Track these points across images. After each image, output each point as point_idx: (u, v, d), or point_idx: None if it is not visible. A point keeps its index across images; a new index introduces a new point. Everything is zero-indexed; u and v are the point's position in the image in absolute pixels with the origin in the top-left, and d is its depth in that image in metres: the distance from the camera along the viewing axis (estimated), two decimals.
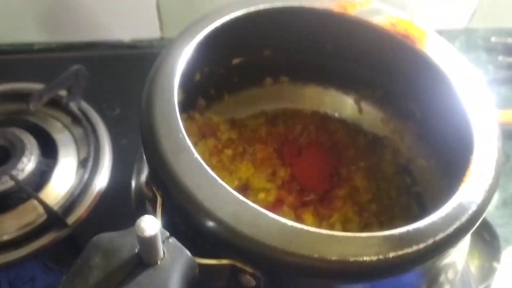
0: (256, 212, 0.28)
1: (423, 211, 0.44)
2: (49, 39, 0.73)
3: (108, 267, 0.25)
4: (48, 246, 0.48)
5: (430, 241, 0.27)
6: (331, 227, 0.43)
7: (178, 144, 0.30)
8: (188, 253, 0.27)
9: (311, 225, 0.42)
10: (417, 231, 0.28)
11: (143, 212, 0.35)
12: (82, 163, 0.54)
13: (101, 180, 0.53)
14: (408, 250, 0.27)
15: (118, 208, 0.51)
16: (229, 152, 0.47)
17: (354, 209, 0.44)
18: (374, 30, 0.40)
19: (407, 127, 0.47)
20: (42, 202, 0.48)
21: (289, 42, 0.44)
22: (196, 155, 0.30)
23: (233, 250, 0.27)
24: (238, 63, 0.45)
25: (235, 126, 0.49)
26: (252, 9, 0.38)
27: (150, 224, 0.23)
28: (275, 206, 0.44)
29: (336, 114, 0.50)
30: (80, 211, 0.50)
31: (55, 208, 0.49)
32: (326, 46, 0.44)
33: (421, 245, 0.27)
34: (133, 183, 0.41)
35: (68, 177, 0.53)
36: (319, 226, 0.43)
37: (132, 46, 0.73)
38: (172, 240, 0.27)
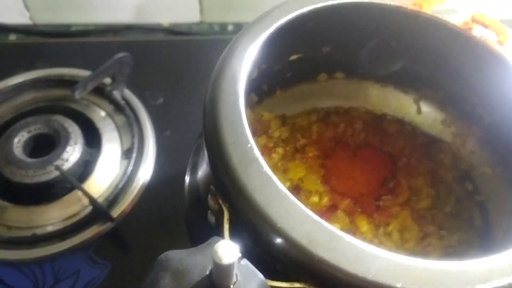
0: (332, 234, 0.26)
1: (487, 223, 0.42)
2: (87, 20, 0.71)
3: None
4: (92, 239, 0.47)
5: None
6: (388, 235, 0.41)
7: (246, 155, 0.28)
8: (261, 276, 0.25)
9: (366, 233, 0.42)
10: (509, 261, 0.25)
11: (201, 218, 0.33)
12: (126, 154, 0.53)
13: (145, 173, 0.52)
14: (500, 283, 0.25)
15: (163, 202, 0.50)
16: (280, 151, 0.45)
17: (412, 216, 0.42)
18: (448, 29, 0.37)
19: (471, 132, 0.44)
20: (87, 194, 0.47)
21: (351, 38, 0.41)
22: (266, 167, 0.28)
23: (307, 273, 0.26)
24: (294, 59, 0.43)
25: (286, 123, 0.47)
26: (320, 5, 0.35)
27: (229, 252, 0.22)
28: (329, 211, 0.42)
29: (393, 114, 0.48)
30: (124, 204, 0.49)
31: (100, 200, 0.48)
32: (390, 44, 0.41)
33: None
34: (187, 179, 0.40)
35: (112, 168, 0.52)
36: (375, 234, 0.41)
37: (171, 30, 0.71)
38: (245, 262, 0.25)
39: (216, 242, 0.23)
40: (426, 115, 0.47)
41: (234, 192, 0.27)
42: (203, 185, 0.34)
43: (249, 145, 0.28)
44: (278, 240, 0.26)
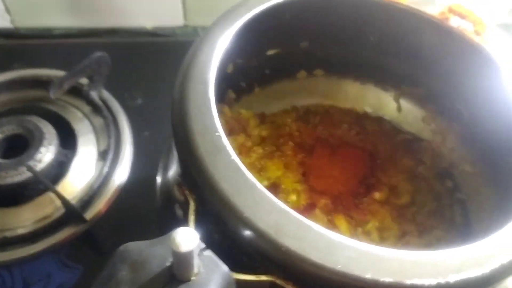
0: (301, 223, 0.25)
1: (467, 220, 0.41)
2: (70, 24, 0.70)
3: (136, 282, 0.22)
4: (64, 242, 0.46)
5: (497, 265, 0.24)
6: (367, 234, 0.40)
7: (214, 144, 0.27)
8: (226, 268, 0.24)
9: (344, 232, 0.40)
10: (482, 251, 0.25)
11: (170, 213, 0.32)
12: (102, 155, 0.51)
13: (121, 174, 0.50)
14: (472, 274, 0.24)
15: (139, 204, 0.48)
16: (259, 150, 0.44)
17: (392, 214, 0.41)
18: (425, 20, 0.37)
19: (451, 128, 0.43)
20: (60, 196, 0.46)
21: (328, 33, 0.41)
22: (234, 156, 0.27)
23: (274, 265, 0.24)
24: (272, 55, 0.42)
25: (265, 122, 0.46)
26: None
27: (188, 238, 0.21)
28: (306, 210, 0.41)
29: (373, 112, 0.47)
30: (99, 206, 0.48)
31: (73, 202, 0.47)
32: (369, 38, 0.41)
33: (487, 269, 0.24)
34: (159, 179, 0.38)
35: (87, 169, 0.50)
36: (354, 233, 0.40)
37: (154, 33, 0.70)
38: (208, 253, 0.24)
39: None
40: (406, 112, 0.46)
41: (201, 182, 0.26)
42: (172, 180, 0.33)
43: (217, 134, 0.27)
44: (245, 231, 0.25)
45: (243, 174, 0.26)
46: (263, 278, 0.25)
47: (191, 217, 0.26)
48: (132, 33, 0.70)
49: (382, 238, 0.40)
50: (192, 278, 0.23)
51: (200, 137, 0.27)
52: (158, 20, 0.71)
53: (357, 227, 0.40)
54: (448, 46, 0.37)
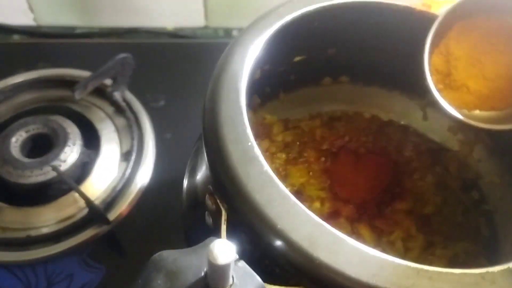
0: (335, 236, 0.25)
1: (493, 232, 0.41)
2: (91, 23, 0.71)
3: None
4: (87, 242, 0.46)
5: None
6: (392, 244, 0.40)
7: (246, 153, 0.27)
8: (259, 279, 0.24)
9: (368, 241, 0.40)
10: None
11: (198, 219, 0.32)
12: (125, 156, 0.52)
13: (144, 175, 0.51)
14: None
15: (161, 206, 0.49)
16: (282, 156, 0.44)
17: (417, 224, 0.40)
18: None
19: (479, 139, 0.43)
20: (83, 196, 0.46)
21: (356, 40, 0.40)
22: (267, 167, 0.27)
23: (307, 277, 0.24)
24: (298, 61, 0.42)
25: (289, 127, 0.46)
26: (326, 3, 0.34)
27: (225, 251, 0.21)
28: (330, 217, 0.41)
29: (399, 120, 0.46)
30: (122, 207, 0.48)
31: (96, 202, 0.47)
32: (397, 47, 0.40)
33: None
34: (186, 182, 0.38)
35: (110, 170, 0.51)
36: (378, 242, 0.40)
37: (175, 34, 0.71)
38: (242, 264, 0.24)
39: (212, 241, 0.22)
40: (432, 121, 0.45)
41: (233, 192, 0.26)
42: (202, 187, 0.33)
43: (249, 144, 0.27)
44: (278, 242, 0.24)
45: (276, 185, 0.26)
46: None
47: (223, 227, 0.26)
48: (153, 34, 0.71)
49: (406, 248, 0.39)
50: None
51: (232, 146, 0.27)
52: (179, 21, 0.71)
53: (381, 237, 0.40)
54: None
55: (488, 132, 0.40)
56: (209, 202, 0.28)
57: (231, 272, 0.23)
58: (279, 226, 0.25)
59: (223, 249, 0.21)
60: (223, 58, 0.32)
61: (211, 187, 0.28)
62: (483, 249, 0.40)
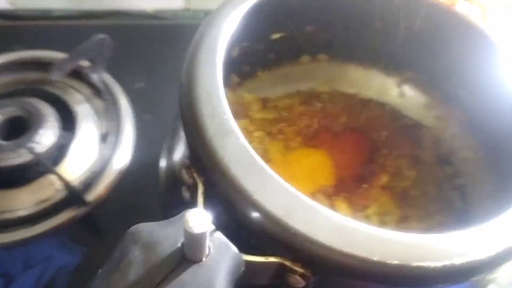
0: (310, 207, 0.25)
1: (466, 205, 0.42)
2: (69, 6, 0.69)
3: (148, 262, 0.23)
4: (66, 224, 0.45)
5: (502, 248, 0.24)
6: (367, 218, 0.40)
7: (222, 126, 0.27)
8: (235, 249, 0.24)
9: (345, 215, 0.41)
10: (487, 234, 0.25)
11: (175, 195, 0.32)
12: (103, 138, 0.51)
13: (123, 157, 0.50)
14: (477, 256, 0.24)
15: (141, 187, 0.49)
16: (260, 134, 0.44)
17: (393, 199, 0.41)
18: (431, 5, 0.36)
19: (453, 115, 0.44)
20: (61, 177, 0.46)
21: (334, 17, 0.41)
22: (243, 139, 0.27)
23: (283, 247, 0.25)
24: (277, 38, 0.42)
25: (267, 107, 0.46)
26: None
27: (200, 220, 0.21)
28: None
29: (376, 98, 0.47)
30: (100, 188, 0.48)
31: (74, 184, 0.47)
32: (374, 24, 0.41)
33: (493, 252, 0.24)
34: (163, 162, 0.38)
35: (88, 152, 0.50)
36: (355, 217, 0.41)
37: (155, 16, 0.70)
38: (218, 234, 0.24)
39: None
40: (409, 98, 0.46)
41: (209, 164, 0.26)
42: (179, 163, 0.33)
43: (225, 117, 0.27)
44: (254, 213, 0.25)
45: (252, 157, 0.26)
46: (272, 259, 0.25)
47: (200, 199, 0.26)
48: (133, 16, 0.70)
49: (382, 222, 0.40)
50: (203, 259, 0.23)
51: (208, 119, 0.27)
52: (159, 3, 0.70)
53: (357, 212, 0.41)
54: (453, 32, 0.37)
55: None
56: (186, 176, 0.28)
57: (208, 243, 0.23)
58: (254, 197, 0.25)
59: (199, 219, 0.21)
60: (199, 33, 0.31)
61: (187, 161, 0.28)
62: (456, 222, 0.41)
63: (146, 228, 0.24)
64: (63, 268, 0.44)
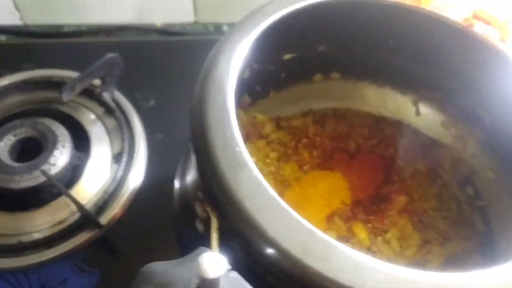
0: (327, 244, 0.24)
1: (488, 228, 0.40)
2: (79, 21, 0.69)
3: None
4: (80, 247, 0.45)
5: None
6: (387, 243, 0.39)
7: (236, 159, 0.26)
8: None
9: (364, 240, 0.40)
10: None
11: (189, 225, 0.32)
12: (116, 158, 0.51)
13: (136, 177, 0.50)
14: None
15: (154, 208, 0.48)
16: (274, 154, 0.43)
17: (412, 222, 0.40)
18: (448, 26, 0.36)
19: (473, 134, 0.42)
20: (74, 201, 0.45)
21: (346, 36, 0.40)
22: (257, 172, 0.26)
23: (300, 286, 0.24)
24: (288, 59, 0.41)
25: (280, 126, 0.45)
26: (315, 1, 0.33)
27: (215, 264, 0.20)
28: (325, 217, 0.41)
29: (391, 116, 0.46)
30: (114, 210, 0.47)
31: (88, 206, 0.47)
32: (388, 42, 0.40)
33: None
34: (177, 184, 0.38)
35: (101, 172, 0.50)
36: (374, 242, 0.40)
37: (164, 30, 0.70)
38: (233, 274, 0.23)
39: (202, 253, 0.21)
40: (425, 116, 0.45)
41: (223, 199, 0.25)
42: (191, 192, 0.33)
43: (238, 149, 0.27)
44: (269, 250, 0.24)
45: (267, 191, 0.26)
46: None
47: (214, 235, 0.26)
48: (142, 30, 0.70)
49: (402, 247, 0.39)
50: None
51: (221, 151, 0.27)
52: (168, 17, 0.70)
53: (376, 236, 0.40)
54: (471, 53, 0.36)
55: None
56: (199, 209, 0.28)
57: (222, 284, 0.22)
58: (270, 234, 0.24)
59: (213, 262, 0.20)
60: (209, 59, 0.31)
61: (200, 194, 0.28)
62: (479, 245, 0.39)
63: (159, 268, 0.23)
64: None
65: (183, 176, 0.36)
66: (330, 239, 0.24)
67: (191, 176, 0.34)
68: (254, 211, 0.25)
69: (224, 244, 0.26)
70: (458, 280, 0.23)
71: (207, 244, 0.26)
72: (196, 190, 0.29)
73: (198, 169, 0.27)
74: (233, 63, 0.31)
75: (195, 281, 0.23)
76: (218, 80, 0.30)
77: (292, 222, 0.25)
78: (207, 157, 0.27)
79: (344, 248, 0.24)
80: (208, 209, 0.27)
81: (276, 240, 0.24)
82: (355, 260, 0.24)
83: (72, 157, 0.49)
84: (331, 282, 0.23)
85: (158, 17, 0.70)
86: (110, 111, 0.54)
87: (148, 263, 0.24)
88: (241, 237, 0.25)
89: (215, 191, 0.26)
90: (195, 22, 0.71)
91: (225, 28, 0.71)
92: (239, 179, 0.26)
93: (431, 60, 0.40)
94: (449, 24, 0.35)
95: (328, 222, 0.40)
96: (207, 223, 0.27)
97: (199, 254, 0.23)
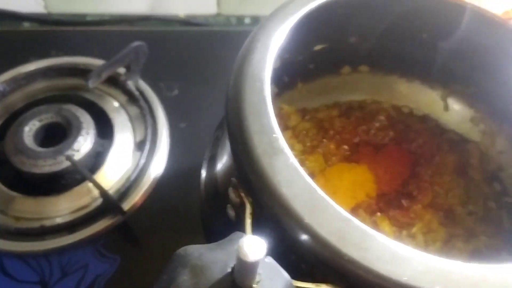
0: (365, 232, 0.24)
1: None
2: (102, 10, 0.70)
3: (197, 287, 0.22)
4: (102, 233, 0.46)
5: None
6: (412, 237, 0.39)
7: (272, 145, 0.26)
8: (287, 275, 0.23)
9: (389, 234, 0.40)
10: None
11: (218, 211, 0.32)
12: (139, 146, 0.51)
13: (158, 165, 0.50)
14: None
15: (176, 196, 0.48)
16: (299, 146, 0.43)
17: (438, 217, 0.40)
18: (486, 18, 0.35)
19: (502, 130, 0.42)
20: (98, 186, 0.46)
21: (379, 29, 0.39)
22: (293, 159, 0.26)
23: (335, 274, 0.24)
24: (318, 50, 0.41)
25: (306, 118, 0.45)
26: None
27: (255, 248, 0.20)
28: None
29: (419, 111, 0.45)
30: (136, 197, 0.47)
31: (110, 192, 0.47)
32: (422, 35, 0.39)
33: None
34: (204, 172, 0.38)
35: (124, 160, 0.50)
36: (398, 236, 0.39)
37: (187, 21, 0.70)
38: (269, 259, 0.23)
39: (240, 237, 0.21)
40: (453, 112, 0.44)
41: (259, 185, 0.25)
42: (223, 178, 0.32)
43: (274, 135, 0.27)
44: (305, 237, 0.24)
45: (303, 178, 0.25)
46: (323, 287, 0.24)
47: (248, 221, 0.26)
48: (165, 21, 0.70)
49: (427, 241, 0.39)
50: (254, 286, 0.22)
51: (257, 137, 0.26)
52: (191, 8, 0.70)
53: (401, 230, 0.39)
54: (507, 47, 0.35)
55: None
56: (232, 195, 0.28)
57: (259, 269, 0.22)
58: (306, 221, 0.24)
59: (254, 246, 0.20)
60: (247, 46, 0.31)
61: (234, 180, 0.27)
62: (505, 243, 0.39)
63: (195, 251, 0.23)
64: (100, 276, 0.44)
65: (211, 163, 0.36)
66: (367, 227, 0.24)
67: (222, 162, 0.34)
68: (290, 197, 0.24)
69: (257, 230, 0.26)
70: (498, 274, 0.23)
71: (237, 230, 0.26)
72: (230, 176, 0.29)
73: (233, 155, 0.27)
74: (270, 51, 0.30)
75: (231, 264, 0.22)
76: (255, 66, 0.30)
77: (329, 210, 0.24)
78: (243, 143, 0.27)
79: (381, 237, 0.24)
80: (243, 194, 0.27)
81: (312, 227, 0.24)
82: (393, 249, 0.23)
83: (96, 143, 0.49)
84: (367, 271, 0.23)
85: (181, 8, 0.70)
86: (133, 99, 0.54)
87: (169, 250, 0.24)
88: (276, 223, 0.25)
89: (250, 177, 0.26)
90: (218, 14, 0.71)
91: (247, 20, 0.71)
92: (275, 165, 0.25)
93: (465, 54, 0.39)
94: (488, 16, 0.34)
95: (353, 214, 0.39)
96: (239, 210, 0.27)
97: (236, 239, 0.23)
